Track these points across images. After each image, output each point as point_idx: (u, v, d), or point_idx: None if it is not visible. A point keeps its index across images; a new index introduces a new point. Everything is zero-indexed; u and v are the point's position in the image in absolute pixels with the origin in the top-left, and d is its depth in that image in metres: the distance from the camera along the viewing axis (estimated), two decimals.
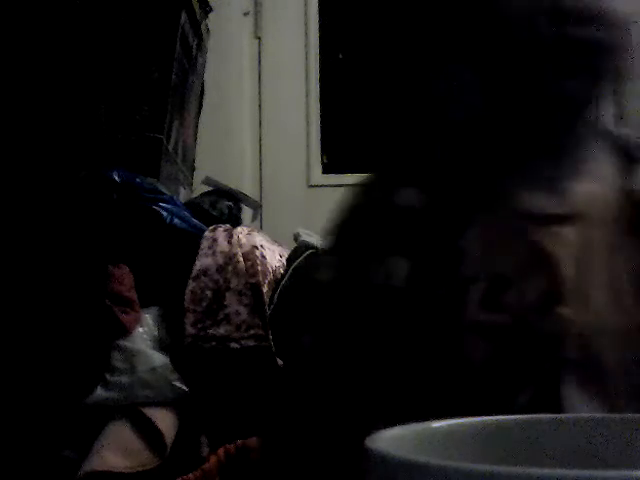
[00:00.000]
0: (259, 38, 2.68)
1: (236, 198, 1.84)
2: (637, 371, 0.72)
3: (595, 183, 0.79)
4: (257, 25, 2.69)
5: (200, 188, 1.95)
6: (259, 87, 2.69)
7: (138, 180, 1.48)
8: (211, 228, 1.54)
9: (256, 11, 2.69)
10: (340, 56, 2.59)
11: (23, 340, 1.29)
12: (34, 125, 1.44)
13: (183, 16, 1.67)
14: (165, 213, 1.49)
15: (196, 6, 1.80)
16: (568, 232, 0.75)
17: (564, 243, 0.75)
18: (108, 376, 1.36)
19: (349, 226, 0.82)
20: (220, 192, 1.82)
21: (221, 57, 2.24)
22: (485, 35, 0.78)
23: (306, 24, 2.57)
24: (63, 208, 1.36)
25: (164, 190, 1.58)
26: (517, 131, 0.79)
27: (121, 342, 1.40)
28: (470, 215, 0.76)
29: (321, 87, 2.53)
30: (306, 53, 2.56)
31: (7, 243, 1.31)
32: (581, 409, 0.69)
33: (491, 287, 0.72)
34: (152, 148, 1.59)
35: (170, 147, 1.70)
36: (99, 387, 1.34)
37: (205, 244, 1.49)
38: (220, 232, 1.52)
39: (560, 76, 0.73)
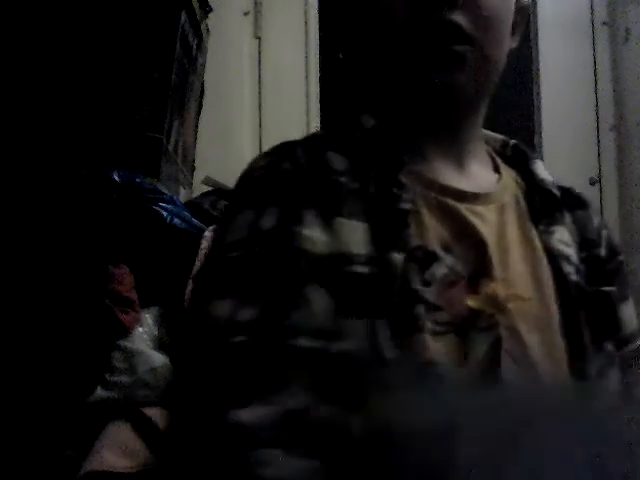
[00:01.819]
0: (259, 38, 2.68)
1: None
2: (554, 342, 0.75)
3: (493, 173, 0.84)
4: (257, 25, 2.69)
5: (200, 188, 1.95)
6: (259, 87, 2.68)
7: (138, 180, 1.48)
8: (211, 228, 1.54)
9: (256, 11, 2.69)
10: (340, 56, 2.59)
11: (23, 340, 1.29)
12: (34, 125, 1.43)
13: (183, 16, 1.67)
14: (165, 213, 1.49)
15: (196, 6, 1.80)
16: (488, 212, 0.78)
17: (487, 221, 0.77)
18: (108, 376, 1.36)
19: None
20: (220, 192, 1.82)
21: (221, 57, 2.24)
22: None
23: (306, 24, 2.58)
24: (63, 208, 1.36)
25: (164, 190, 1.58)
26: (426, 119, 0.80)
27: (121, 342, 1.40)
28: (402, 183, 0.75)
29: (321, 87, 2.53)
30: (306, 53, 2.56)
31: (7, 243, 1.31)
32: (513, 380, 0.70)
33: (424, 261, 0.72)
34: (152, 148, 1.59)
35: (170, 147, 1.70)
36: (99, 387, 1.34)
37: (205, 244, 1.49)
38: None
39: (442, 63, 0.74)
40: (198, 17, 1.84)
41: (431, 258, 0.73)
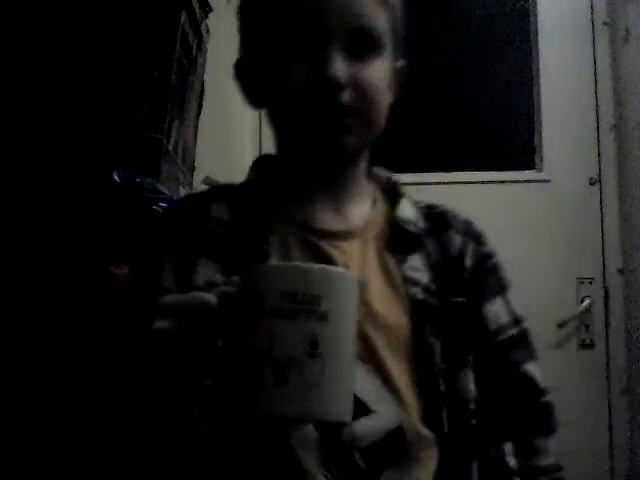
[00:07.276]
0: None
1: None
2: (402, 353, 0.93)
3: (368, 209, 1.03)
4: None
5: (200, 188, 1.94)
6: None
7: (138, 180, 1.48)
8: None
9: None
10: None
11: (24, 341, 1.29)
12: (34, 125, 1.44)
13: (183, 16, 1.67)
14: None
15: (196, 6, 1.80)
16: (350, 246, 0.97)
17: (349, 255, 0.96)
18: None
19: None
20: None
21: (221, 57, 2.23)
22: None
23: None
24: (63, 208, 1.36)
25: (164, 190, 1.57)
26: (306, 168, 1.01)
27: None
28: (269, 227, 0.96)
29: None
30: None
31: (7, 243, 1.31)
32: (362, 384, 0.87)
33: None
34: (152, 148, 1.59)
35: (170, 147, 1.70)
36: None
37: None
38: None
39: (335, 132, 0.93)
40: (198, 17, 1.84)
41: None
